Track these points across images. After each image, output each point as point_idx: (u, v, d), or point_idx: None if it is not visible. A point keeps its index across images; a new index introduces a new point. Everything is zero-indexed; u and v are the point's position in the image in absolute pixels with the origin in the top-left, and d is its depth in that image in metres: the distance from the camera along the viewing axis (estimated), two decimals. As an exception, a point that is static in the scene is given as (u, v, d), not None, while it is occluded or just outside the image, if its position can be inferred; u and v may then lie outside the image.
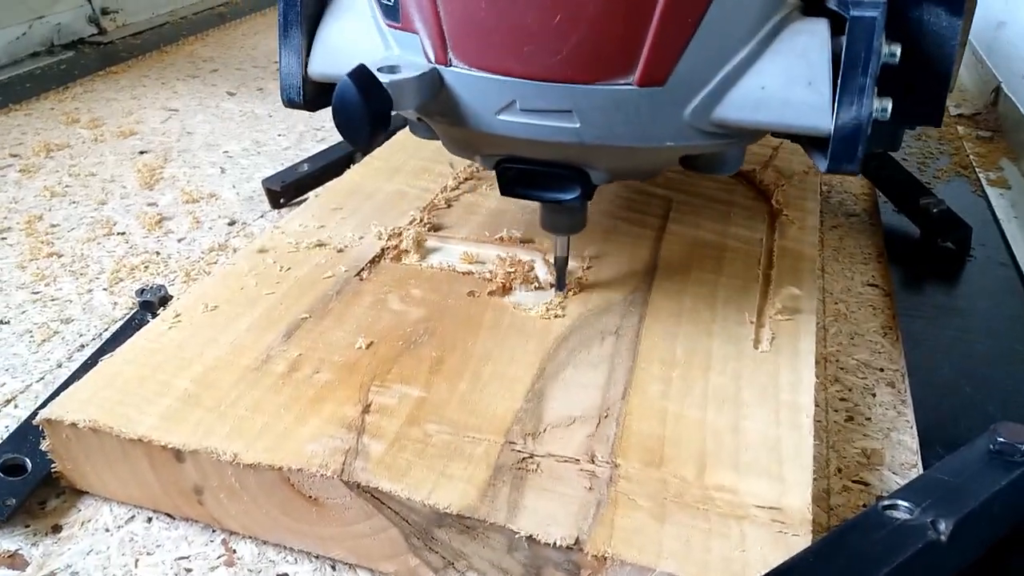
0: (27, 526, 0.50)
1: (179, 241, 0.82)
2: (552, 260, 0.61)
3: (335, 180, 0.80)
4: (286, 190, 0.87)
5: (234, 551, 0.48)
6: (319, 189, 0.88)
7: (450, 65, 0.47)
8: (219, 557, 0.48)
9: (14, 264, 0.77)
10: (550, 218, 0.56)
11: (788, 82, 0.45)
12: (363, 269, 0.64)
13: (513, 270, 0.63)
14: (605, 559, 0.40)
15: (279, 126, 1.11)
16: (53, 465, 0.51)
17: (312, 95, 0.54)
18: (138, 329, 0.58)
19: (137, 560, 0.48)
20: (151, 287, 0.65)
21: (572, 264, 0.64)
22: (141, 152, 1.03)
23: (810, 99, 0.44)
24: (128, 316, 0.67)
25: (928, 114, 0.48)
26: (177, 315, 0.57)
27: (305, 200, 0.86)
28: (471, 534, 0.42)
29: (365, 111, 0.43)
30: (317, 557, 0.48)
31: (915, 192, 0.80)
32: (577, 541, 0.41)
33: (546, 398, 0.50)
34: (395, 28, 0.48)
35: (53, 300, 0.72)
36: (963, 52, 0.59)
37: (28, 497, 0.50)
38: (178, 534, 0.49)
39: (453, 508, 0.42)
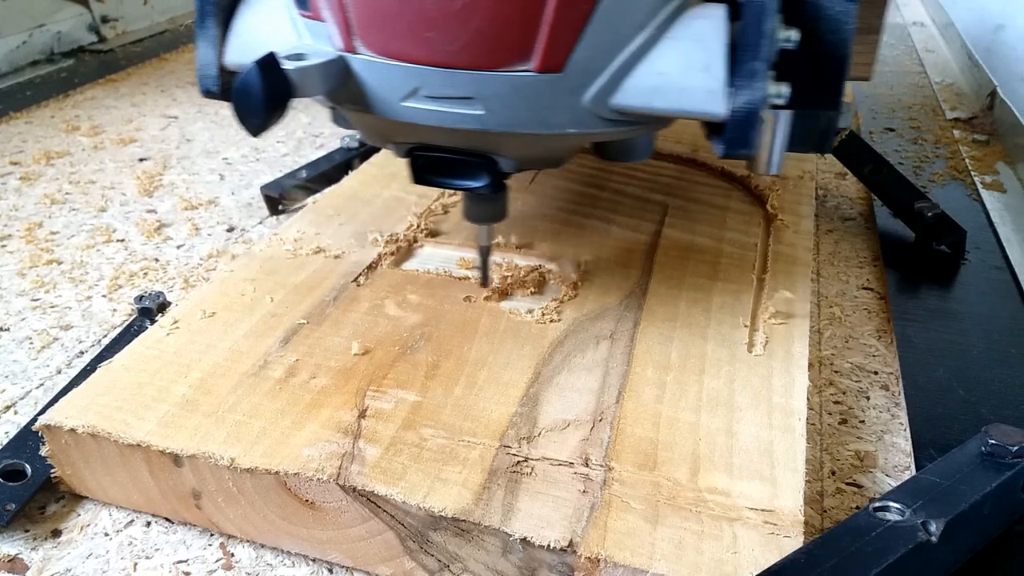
0: (27, 531, 0.50)
1: (178, 248, 0.82)
2: (553, 267, 0.62)
3: (333, 187, 0.80)
4: (285, 197, 0.88)
5: (232, 555, 0.49)
6: (317, 196, 0.88)
7: (356, 52, 0.47)
8: (217, 561, 0.48)
9: (14, 271, 0.78)
10: (470, 208, 0.57)
11: (685, 68, 0.45)
12: (360, 275, 0.64)
13: (509, 275, 0.63)
14: (598, 561, 0.40)
15: (278, 133, 1.12)
16: (52, 470, 0.51)
17: (229, 85, 0.54)
18: (137, 336, 0.58)
19: (136, 564, 0.48)
20: (150, 294, 0.65)
21: (567, 269, 0.65)
22: (141, 159, 1.04)
23: (706, 84, 0.44)
24: (127, 323, 0.67)
25: (826, 99, 0.49)
26: (175, 321, 0.58)
27: (303, 207, 0.87)
28: (466, 537, 0.43)
29: (262, 97, 0.44)
30: (314, 560, 0.48)
31: (910, 196, 0.81)
32: (571, 543, 0.41)
33: (541, 402, 0.51)
34: (305, 17, 0.49)
35: (52, 307, 0.73)
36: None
37: (28, 502, 0.51)
38: (176, 538, 0.50)
39: (448, 511, 0.42)
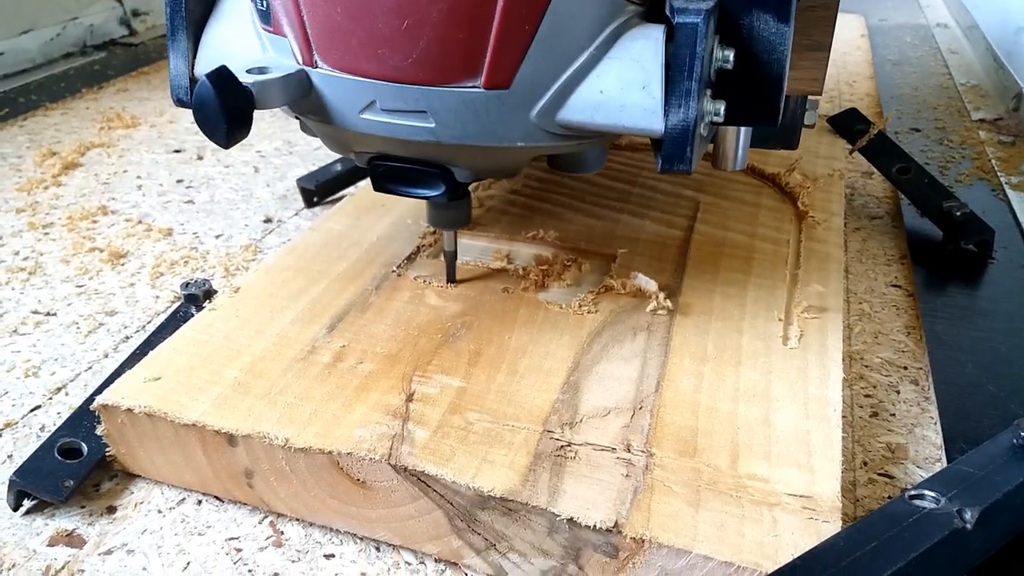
0: (83, 507, 0.52)
1: (216, 237, 0.84)
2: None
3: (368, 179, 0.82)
4: (320, 189, 0.90)
5: (282, 532, 0.50)
6: (352, 188, 0.90)
7: (316, 67, 0.49)
8: (267, 538, 0.50)
9: (58, 258, 0.80)
10: (433, 214, 0.60)
11: (624, 86, 0.47)
12: (400, 265, 0.66)
13: (546, 267, 0.64)
14: (643, 541, 0.42)
15: (309, 126, 1.13)
16: (107, 449, 0.53)
17: None
18: (183, 322, 0.60)
19: (189, 540, 0.50)
20: (195, 281, 0.67)
21: (599, 262, 0.66)
22: (175, 151, 1.06)
23: (644, 102, 0.47)
24: (173, 309, 0.69)
25: (764, 115, 0.51)
26: (223, 308, 0.59)
27: (339, 199, 0.89)
28: (513, 516, 0.44)
29: (221, 109, 0.46)
30: (362, 539, 0.50)
31: (938, 196, 0.82)
32: (616, 524, 0.42)
33: (581, 390, 0.52)
34: (269, 32, 0.51)
35: (97, 293, 0.74)
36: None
37: (84, 479, 0.53)
38: (227, 516, 0.51)
39: (496, 491, 0.44)
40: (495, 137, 0.50)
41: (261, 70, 0.49)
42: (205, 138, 1.08)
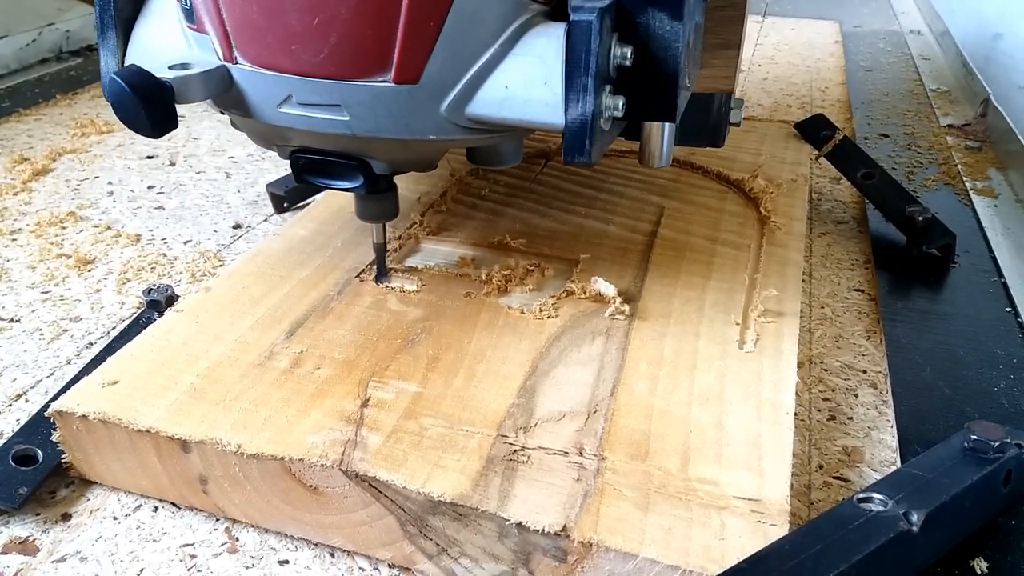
0: (38, 514, 0.52)
1: (185, 243, 0.84)
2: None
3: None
4: (290, 195, 0.90)
5: (237, 539, 0.50)
6: (322, 194, 0.90)
7: (236, 63, 0.51)
8: (222, 544, 0.50)
9: (24, 264, 0.80)
10: (360, 207, 0.61)
11: (527, 82, 0.49)
12: (363, 270, 0.66)
13: (509, 272, 0.65)
14: (591, 545, 0.42)
15: (283, 132, 1.14)
16: (63, 456, 0.53)
17: None
18: (145, 327, 0.60)
19: (144, 546, 0.50)
20: (158, 287, 0.67)
21: (563, 267, 0.67)
22: (148, 157, 1.05)
23: (546, 97, 0.48)
24: (135, 315, 0.69)
25: (663, 111, 0.52)
26: (183, 313, 0.59)
27: (308, 204, 0.89)
28: (464, 521, 0.44)
29: (138, 103, 0.47)
30: (316, 545, 0.50)
31: (901, 201, 0.82)
32: (564, 528, 0.43)
33: (537, 394, 0.52)
34: (193, 30, 0.53)
35: (62, 299, 0.74)
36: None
37: (39, 486, 0.52)
38: (183, 522, 0.51)
39: (447, 496, 0.44)
40: (407, 130, 0.51)
41: (183, 66, 0.50)
42: (178, 144, 1.09)
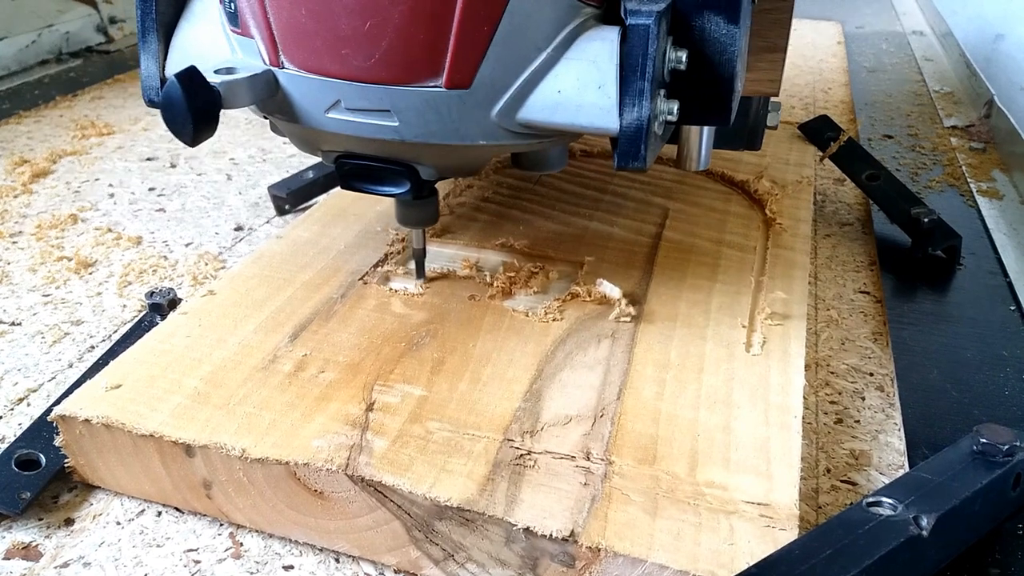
0: (40, 519, 0.52)
1: (186, 246, 0.84)
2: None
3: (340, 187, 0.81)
4: (292, 197, 0.89)
5: (241, 544, 0.50)
6: (323, 196, 0.89)
7: (282, 67, 0.50)
8: (227, 550, 0.50)
9: (25, 267, 0.79)
10: (401, 212, 0.61)
11: (581, 86, 0.48)
12: (367, 273, 0.65)
13: (513, 275, 0.64)
14: (599, 550, 0.42)
15: (284, 134, 1.13)
16: (66, 460, 0.52)
17: None
18: (148, 330, 0.59)
19: (147, 552, 0.49)
20: (160, 290, 0.66)
21: (567, 269, 0.66)
22: (148, 159, 1.05)
23: (600, 102, 0.48)
24: (138, 318, 0.69)
25: (717, 115, 0.52)
26: (186, 316, 0.59)
27: (311, 206, 0.88)
28: (470, 527, 0.44)
29: (188, 108, 0.47)
30: (321, 550, 0.49)
31: (906, 202, 0.82)
32: (572, 533, 0.42)
33: (543, 398, 0.52)
34: (237, 33, 0.52)
35: (63, 302, 0.74)
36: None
37: (42, 491, 0.52)
38: (187, 527, 0.51)
39: (453, 501, 0.44)
40: (457, 136, 0.50)
41: (229, 70, 0.49)
42: (179, 146, 1.08)
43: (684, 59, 0.49)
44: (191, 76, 0.47)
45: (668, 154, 0.86)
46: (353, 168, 0.55)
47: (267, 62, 0.51)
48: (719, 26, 0.49)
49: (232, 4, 0.51)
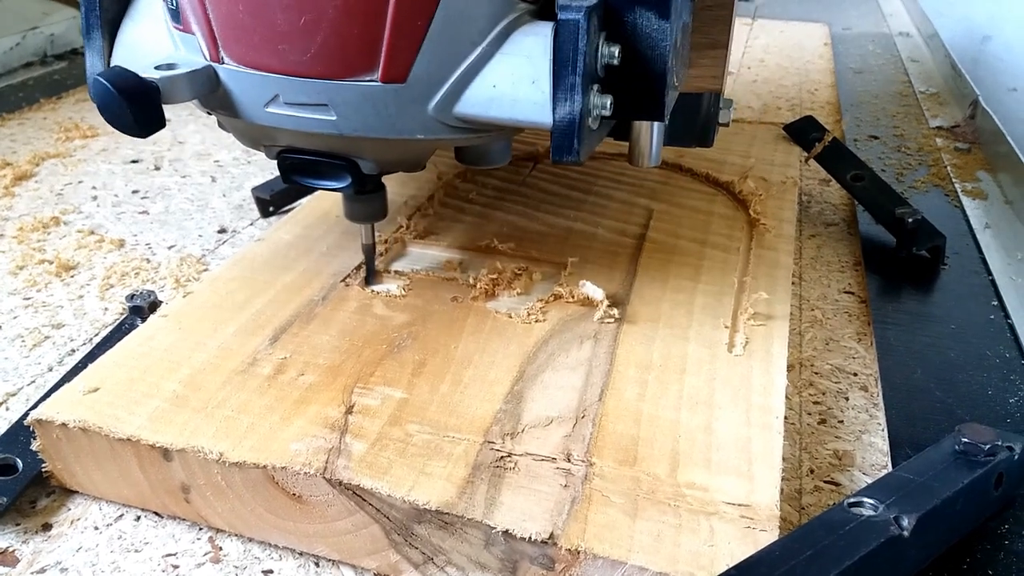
0: (18, 524, 0.51)
1: (169, 248, 0.83)
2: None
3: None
4: (276, 199, 0.89)
5: (220, 548, 0.50)
6: (307, 197, 0.89)
7: (222, 63, 0.51)
8: (205, 554, 0.49)
9: (6, 271, 0.78)
10: (348, 208, 0.61)
11: (515, 81, 0.49)
12: (349, 275, 0.65)
13: (496, 276, 0.64)
14: (578, 553, 0.41)
15: (270, 136, 1.13)
16: (44, 465, 0.52)
17: None
18: (128, 334, 0.59)
19: (125, 557, 0.49)
20: (141, 292, 0.66)
21: (551, 270, 0.66)
22: (133, 161, 1.05)
23: (534, 96, 0.48)
24: (118, 321, 0.68)
25: (651, 110, 0.53)
26: (166, 319, 0.59)
27: (294, 208, 0.88)
28: (449, 530, 0.44)
29: (124, 104, 0.47)
30: (301, 554, 0.49)
31: (891, 203, 0.82)
32: (551, 536, 0.42)
33: (525, 400, 0.52)
34: (179, 30, 0.52)
35: (44, 306, 0.73)
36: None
37: (19, 496, 0.51)
38: (165, 532, 0.51)
39: (432, 504, 0.43)
40: (395, 130, 0.51)
41: (169, 66, 0.50)
42: (163, 148, 1.08)
43: (617, 54, 0.49)
44: (118, 74, 0.47)
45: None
46: (294, 163, 0.55)
47: (207, 58, 0.51)
48: (650, 21, 0.50)
49: (174, 1, 0.51)
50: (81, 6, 0.54)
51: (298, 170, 0.55)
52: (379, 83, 0.49)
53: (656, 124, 0.58)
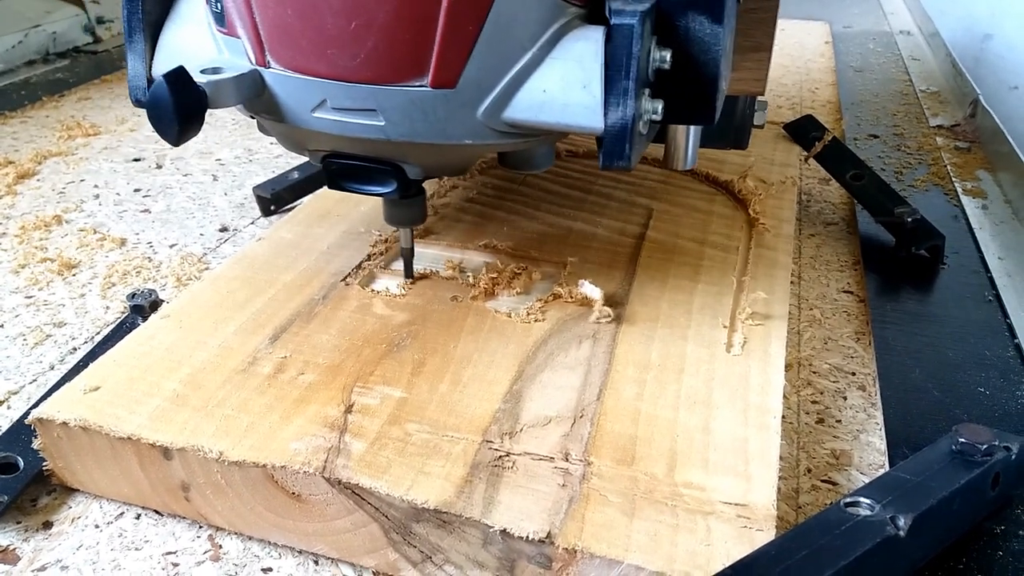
0: (19, 522, 0.51)
1: (171, 247, 0.83)
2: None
3: (324, 187, 0.81)
4: (276, 197, 0.89)
5: (220, 546, 0.50)
6: (308, 196, 0.89)
7: (268, 67, 0.51)
8: (205, 552, 0.49)
9: (8, 269, 0.79)
10: (388, 211, 0.61)
11: (566, 86, 0.49)
12: (349, 274, 0.65)
13: (496, 276, 0.64)
14: (575, 552, 0.42)
15: (271, 134, 1.13)
16: (44, 463, 0.52)
17: None
18: (129, 332, 0.59)
19: (126, 555, 0.49)
20: (142, 291, 0.66)
21: (550, 270, 0.66)
22: (135, 159, 1.05)
23: (585, 101, 0.48)
24: (120, 320, 0.68)
25: (702, 114, 0.52)
26: (167, 318, 0.59)
27: (295, 207, 0.88)
28: (448, 528, 0.44)
29: (174, 108, 0.47)
30: (300, 552, 0.49)
31: (890, 202, 0.82)
32: (549, 535, 0.42)
33: (523, 399, 0.52)
34: (223, 33, 0.52)
35: (46, 304, 0.74)
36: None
37: (20, 494, 0.52)
38: (165, 530, 0.51)
39: (431, 503, 0.44)
40: (443, 135, 0.50)
41: (215, 70, 0.50)
42: (165, 147, 1.08)
43: (668, 59, 0.49)
44: (179, 76, 0.47)
45: (653, 154, 0.87)
46: (340, 168, 0.55)
47: (253, 62, 0.51)
48: (703, 25, 0.49)
49: (218, 4, 0.51)
50: (123, 9, 0.54)
51: (344, 175, 0.55)
52: (429, 88, 0.48)
53: (693, 127, 0.58)
